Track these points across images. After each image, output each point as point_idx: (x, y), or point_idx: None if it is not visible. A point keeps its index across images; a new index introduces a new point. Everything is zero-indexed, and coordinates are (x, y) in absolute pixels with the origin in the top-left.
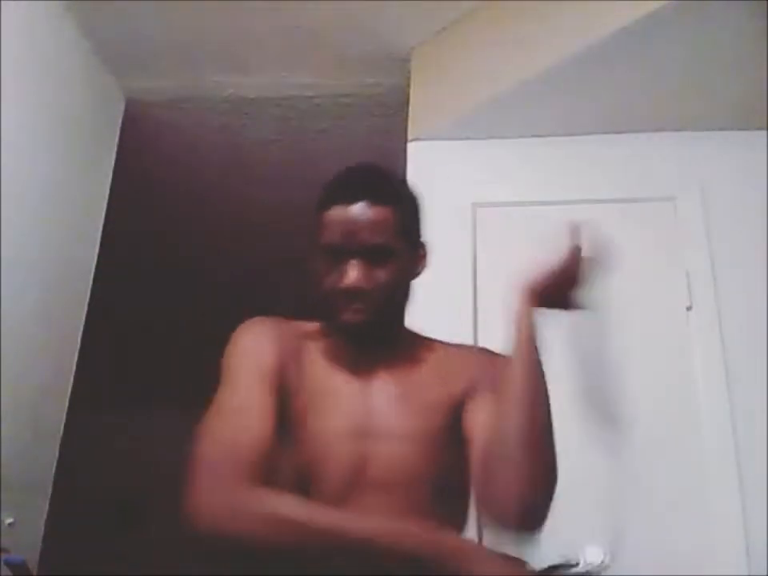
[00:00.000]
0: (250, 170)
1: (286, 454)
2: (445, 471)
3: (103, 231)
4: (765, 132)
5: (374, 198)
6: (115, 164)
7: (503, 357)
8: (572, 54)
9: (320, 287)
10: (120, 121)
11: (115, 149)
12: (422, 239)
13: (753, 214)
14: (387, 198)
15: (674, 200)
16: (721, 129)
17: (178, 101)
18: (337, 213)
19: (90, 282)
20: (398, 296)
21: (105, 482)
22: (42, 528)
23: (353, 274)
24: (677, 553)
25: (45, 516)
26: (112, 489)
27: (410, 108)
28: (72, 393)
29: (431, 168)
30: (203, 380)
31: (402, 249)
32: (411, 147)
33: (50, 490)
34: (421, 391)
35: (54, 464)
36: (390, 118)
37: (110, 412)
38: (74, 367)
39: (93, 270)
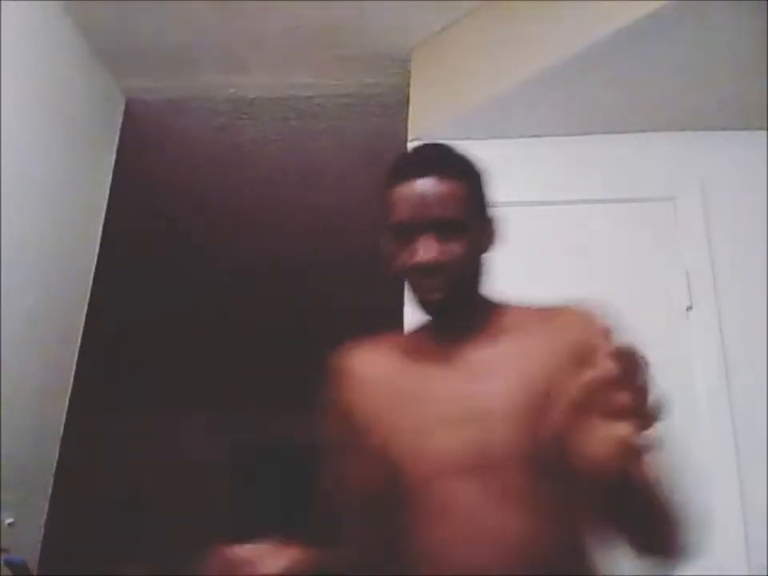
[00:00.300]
0: (249, 170)
1: (367, 467)
2: (543, 448)
3: (103, 231)
4: (765, 132)
5: (442, 173)
6: (115, 164)
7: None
8: (572, 53)
9: (391, 268)
10: (120, 121)
11: (115, 149)
12: (491, 215)
13: (753, 214)
14: (456, 172)
15: (674, 200)
16: (721, 129)
17: (178, 101)
18: (405, 188)
19: (90, 282)
20: (472, 271)
21: (105, 481)
22: (42, 528)
23: (427, 248)
24: None
25: (45, 516)
26: (112, 489)
27: (410, 108)
28: (72, 393)
29: None
30: (203, 380)
31: (472, 223)
32: (411, 147)
33: (50, 490)
34: (508, 365)
35: (54, 464)
36: (390, 118)
37: (110, 412)
38: (74, 367)
39: (93, 269)
